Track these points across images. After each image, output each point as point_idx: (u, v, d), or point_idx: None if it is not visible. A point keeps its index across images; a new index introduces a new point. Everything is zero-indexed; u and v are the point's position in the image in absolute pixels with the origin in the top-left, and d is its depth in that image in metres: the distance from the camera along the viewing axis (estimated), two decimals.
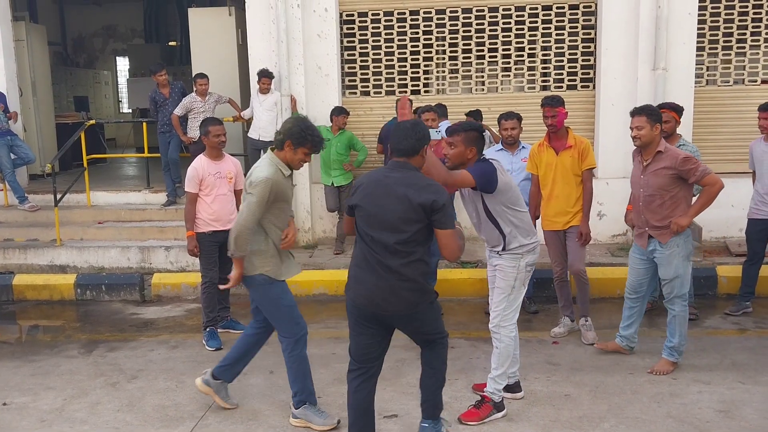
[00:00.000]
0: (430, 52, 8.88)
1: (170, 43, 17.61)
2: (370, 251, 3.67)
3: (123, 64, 19.14)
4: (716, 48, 8.48)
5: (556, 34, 8.65)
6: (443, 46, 8.84)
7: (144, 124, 9.92)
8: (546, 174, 5.76)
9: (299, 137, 4.15)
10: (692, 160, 4.81)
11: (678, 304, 5.05)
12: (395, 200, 3.62)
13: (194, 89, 8.67)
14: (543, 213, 5.87)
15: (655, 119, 4.86)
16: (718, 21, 8.41)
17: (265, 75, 8.41)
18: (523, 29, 8.68)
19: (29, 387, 5.16)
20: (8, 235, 8.59)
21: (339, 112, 8.15)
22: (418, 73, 8.94)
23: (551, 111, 5.56)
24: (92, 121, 10.05)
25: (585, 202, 5.70)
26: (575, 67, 8.70)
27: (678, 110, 5.95)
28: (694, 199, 5.08)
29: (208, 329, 5.96)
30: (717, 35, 8.45)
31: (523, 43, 8.72)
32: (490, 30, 8.72)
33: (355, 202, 3.75)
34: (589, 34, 8.60)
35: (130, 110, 17.27)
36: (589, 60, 8.65)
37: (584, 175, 5.67)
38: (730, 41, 8.45)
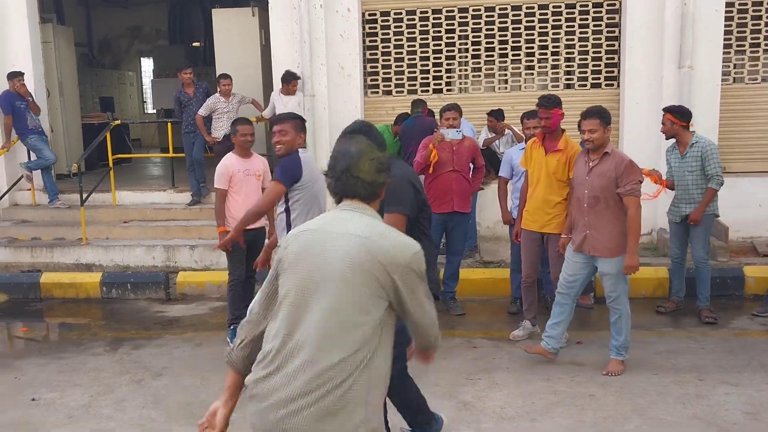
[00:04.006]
0: (453, 51, 8.85)
1: (194, 44, 17.75)
2: None
3: (147, 65, 19.35)
4: (743, 45, 8.37)
5: (580, 33, 8.59)
6: (466, 44, 8.82)
7: (169, 124, 10.00)
8: (533, 172, 5.63)
9: None
10: (636, 172, 4.83)
11: (623, 303, 5.04)
12: None
13: (218, 90, 8.74)
14: (524, 209, 5.74)
15: (607, 122, 4.90)
16: (745, 18, 8.30)
17: (295, 77, 8.44)
18: (546, 27, 8.63)
19: (57, 383, 5.23)
20: (35, 234, 8.72)
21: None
22: (440, 72, 8.92)
23: (546, 113, 5.40)
24: (117, 122, 10.16)
25: (569, 213, 5.42)
26: (599, 65, 8.63)
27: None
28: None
29: (232, 327, 6.00)
30: (744, 32, 8.34)
31: (546, 41, 8.67)
32: (514, 28, 8.68)
33: None
34: (614, 32, 8.52)
35: (155, 111, 17.43)
36: (613, 58, 8.58)
37: (570, 184, 5.42)
38: (758, 38, 8.34)
